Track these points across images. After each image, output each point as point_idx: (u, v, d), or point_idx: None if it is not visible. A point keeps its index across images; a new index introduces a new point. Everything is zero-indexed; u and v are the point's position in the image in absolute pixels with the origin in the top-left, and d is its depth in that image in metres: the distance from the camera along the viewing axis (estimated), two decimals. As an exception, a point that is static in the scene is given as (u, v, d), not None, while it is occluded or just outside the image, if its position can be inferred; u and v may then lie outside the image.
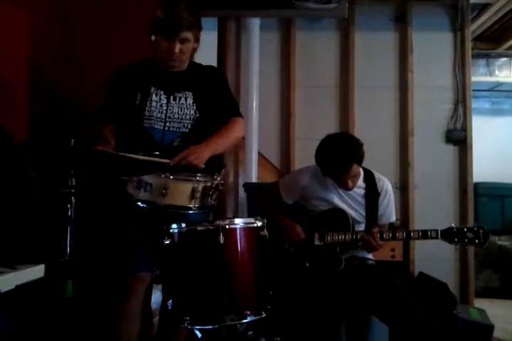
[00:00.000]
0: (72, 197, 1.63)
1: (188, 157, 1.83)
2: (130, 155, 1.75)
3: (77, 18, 2.61)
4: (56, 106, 2.44)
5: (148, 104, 2.02)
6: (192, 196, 1.80)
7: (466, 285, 3.76)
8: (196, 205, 1.83)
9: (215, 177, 1.87)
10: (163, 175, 1.76)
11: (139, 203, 1.81)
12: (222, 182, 1.90)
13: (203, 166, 1.86)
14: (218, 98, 2.11)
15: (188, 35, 1.94)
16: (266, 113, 3.82)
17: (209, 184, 1.84)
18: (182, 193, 1.79)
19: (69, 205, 1.63)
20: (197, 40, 2.03)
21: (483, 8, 4.02)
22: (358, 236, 2.24)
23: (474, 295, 3.79)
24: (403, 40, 3.89)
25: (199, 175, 1.82)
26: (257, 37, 3.74)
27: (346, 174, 2.22)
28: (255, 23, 3.72)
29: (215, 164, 1.94)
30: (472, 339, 3.12)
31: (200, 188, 1.81)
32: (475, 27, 4.30)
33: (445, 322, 2.98)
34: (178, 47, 1.94)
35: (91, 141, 1.98)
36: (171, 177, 1.77)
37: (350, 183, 2.29)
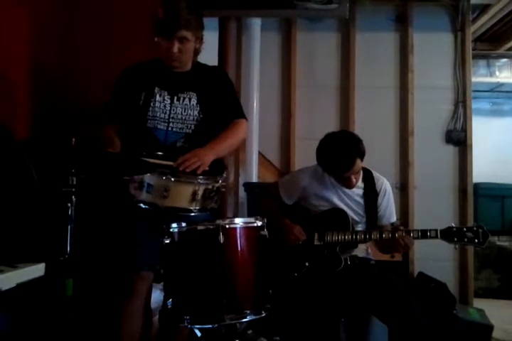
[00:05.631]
0: (73, 196, 1.63)
1: (191, 159, 1.83)
2: (141, 157, 1.75)
3: (79, 18, 2.62)
4: (57, 105, 2.44)
5: (151, 104, 2.01)
6: (193, 198, 1.78)
7: (465, 286, 3.76)
8: (197, 207, 1.81)
9: (217, 179, 1.85)
10: (164, 177, 1.75)
11: (141, 204, 1.80)
12: (224, 184, 1.89)
13: (207, 168, 1.85)
14: (222, 99, 2.10)
15: (187, 34, 1.91)
16: (266, 113, 3.82)
17: (210, 186, 1.82)
18: (183, 195, 1.78)
19: (69, 204, 1.63)
20: (198, 39, 2.00)
21: (484, 8, 4.02)
22: (389, 235, 2.19)
23: (474, 296, 3.79)
24: (404, 40, 3.90)
25: (201, 177, 1.81)
26: (258, 37, 3.74)
27: (351, 169, 2.22)
28: (256, 23, 3.72)
29: (218, 166, 1.93)
30: (471, 339, 3.12)
31: (201, 191, 1.79)
32: (475, 28, 4.31)
33: (444, 323, 2.99)
34: (176, 46, 1.92)
35: (94, 140, 1.97)
36: (172, 179, 1.76)
37: (353, 180, 2.29)
